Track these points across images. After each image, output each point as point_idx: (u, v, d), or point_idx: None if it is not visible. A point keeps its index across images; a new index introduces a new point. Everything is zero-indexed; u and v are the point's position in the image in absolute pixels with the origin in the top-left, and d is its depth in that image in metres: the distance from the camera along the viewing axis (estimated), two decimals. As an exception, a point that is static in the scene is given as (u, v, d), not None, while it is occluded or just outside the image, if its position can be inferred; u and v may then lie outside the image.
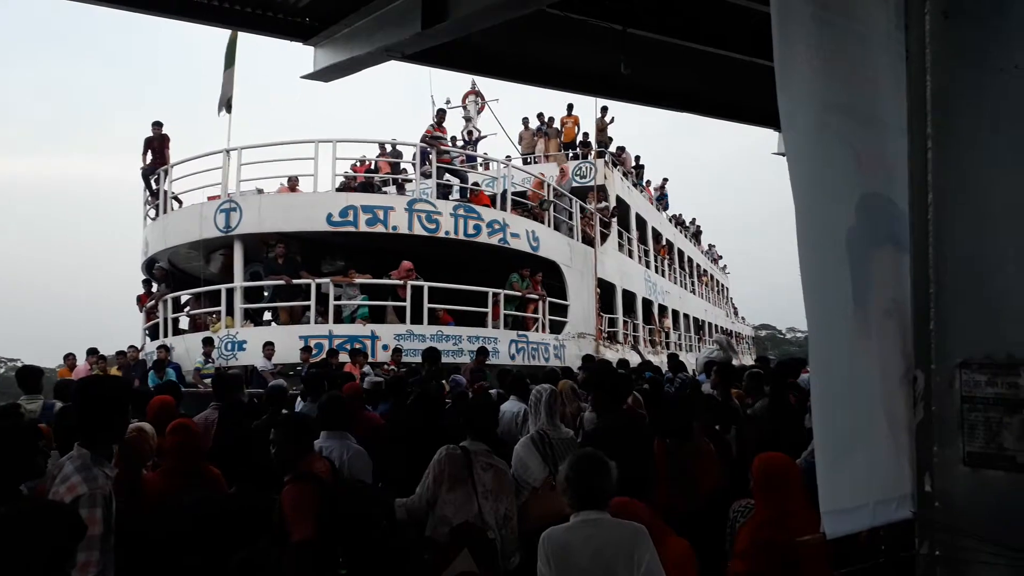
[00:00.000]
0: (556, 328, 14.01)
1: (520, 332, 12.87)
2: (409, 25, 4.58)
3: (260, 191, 12.95)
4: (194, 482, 3.53)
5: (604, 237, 17.13)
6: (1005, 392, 1.97)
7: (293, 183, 12.74)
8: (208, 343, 10.93)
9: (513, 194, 13.83)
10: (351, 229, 11.62)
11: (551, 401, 4.24)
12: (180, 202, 13.40)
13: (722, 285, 37.92)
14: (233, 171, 12.20)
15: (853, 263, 2.30)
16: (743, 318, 44.70)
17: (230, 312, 11.65)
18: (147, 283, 13.84)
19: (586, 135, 19.20)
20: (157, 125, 13.75)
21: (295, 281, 11.41)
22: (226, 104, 12.97)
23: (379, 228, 11.70)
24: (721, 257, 39.25)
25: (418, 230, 11.86)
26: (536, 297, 13.27)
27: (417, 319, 11.44)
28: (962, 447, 2.05)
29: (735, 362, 13.20)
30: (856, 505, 2.20)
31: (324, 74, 5.59)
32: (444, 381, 7.88)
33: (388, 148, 16.36)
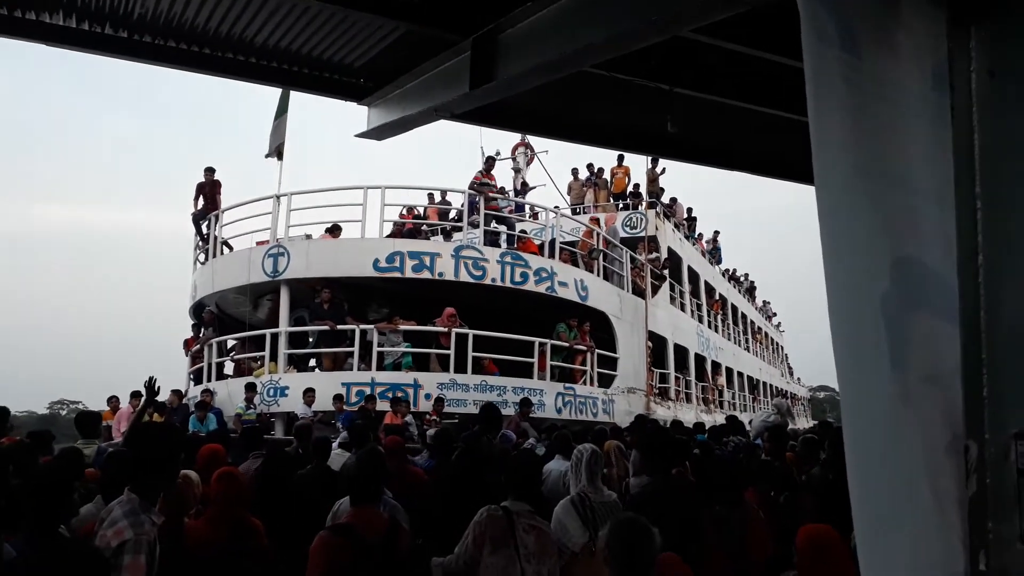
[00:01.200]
0: (605, 381, 13.72)
1: (567, 384, 12.61)
2: (458, 86, 4.73)
3: (308, 236, 13.12)
4: (237, 532, 3.56)
5: (655, 289, 16.86)
6: None
7: (334, 230, 12.83)
8: (251, 388, 10.96)
9: (562, 243, 13.73)
10: (397, 275, 11.67)
11: (592, 462, 4.13)
12: (230, 247, 13.65)
13: (777, 343, 37.03)
14: (282, 216, 12.45)
15: (889, 326, 2.24)
16: (799, 379, 43.74)
17: (274, 357, 11.69)
18: (195, 327, 14.08)
19: (637, 186, 19.14)
20: (209, 171, 14.15)
21: (339, 327, 11.43)
22: (277, 151, 13.29)
23: (425, 275, 11.71)
24: (775, 314, 38.43)
25: (464, 277, 11.84)
26: (584, 348, 13.03)
27: (461, 368, 11.32)
28: (1019, 523, 1.92)
29: (791, 427, 12.70)
30: None
31: (377, 132, 5.80)
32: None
33: (437, 197, 16.55)
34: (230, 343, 13.35)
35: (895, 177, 2.39)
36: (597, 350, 13.38)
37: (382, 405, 10.12)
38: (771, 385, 31.19)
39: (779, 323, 39.37)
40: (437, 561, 3.55)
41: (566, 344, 12.68)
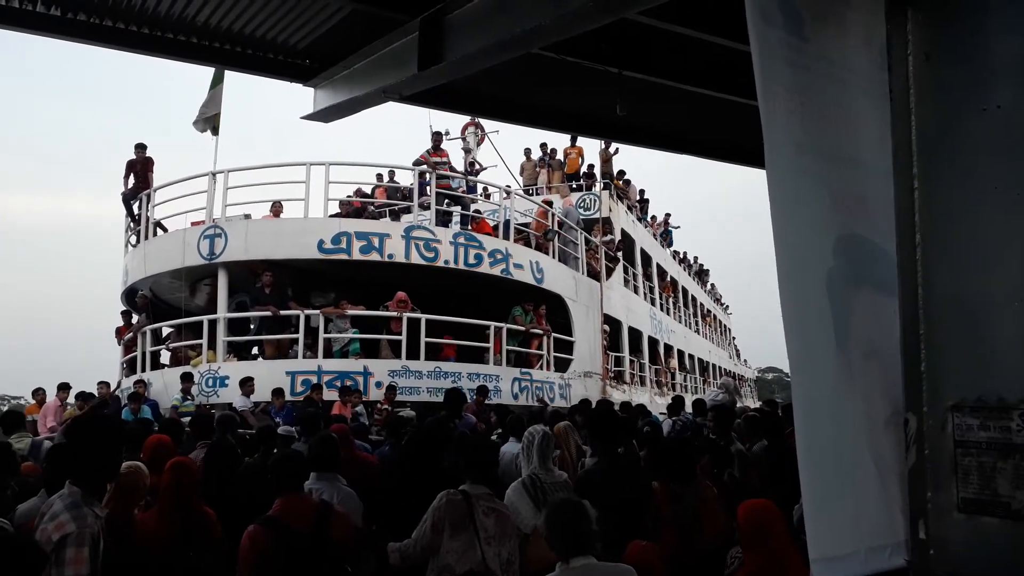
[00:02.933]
0: (561, 366, 13.66)
1: (523, 369, 12.49)
2: (406, 67, 4.74)
3: (247, 216, 12.59)
4: (189, 523, 3.55)
5: (610, 272, 16.84)
6: (998, 436, 2.00)
7: (277, 208, 12.38)
8: (187, 379, 10.44)
9: (516, 225, 13.52)
10: (344, 257, 11.30)
11: (543, 444, 4.25)
12: (164, 229, 13.00)
13: (725, 326, 37.91)
14: (219, 195, 11.91)
15: (834, 304, 2.35)
16: (745, 360, 45.18)
17: (212, 346, 11.20)
18: (126, 314, 13.43)
19: (591, 167, 19.08)
20: (140, 148, 13.45)
21: (283, 312, 11.00)
22: (211, 125, 12.65)
23: (374, 256, 11.37)
24: (721, 298, 39.32)
25: (415, 259, 11.53)
26: (540, 332, 12.92)
27: (413, 354, 11.03)
28: (956, 493, 2.06)
29: (739, 406, 12.95)
30: (846, 552, 2.21)
31: (324, 115, 5.79)
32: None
33: (385, 177, 16.12)
34: (165, 331, 12.75)
35: (843, 156, 2.49)
36: (553, 334, 13.26)
37: (330, 394, 9.78)
38: (720, 367, 31.91)
39: (727, 306, 40.29)
40: (394, 546, 3.60)
41: (522, 328, 12.54)
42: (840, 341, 2.37)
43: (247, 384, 9.93)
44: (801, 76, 2.50)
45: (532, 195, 17.32)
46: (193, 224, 12.24)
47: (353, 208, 13.82)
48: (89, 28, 4.81)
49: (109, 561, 2.82)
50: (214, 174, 11.91)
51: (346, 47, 5.15)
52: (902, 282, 2.28)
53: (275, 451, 5.12)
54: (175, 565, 3.44)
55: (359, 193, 15.15)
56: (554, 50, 4.87)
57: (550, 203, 15.64)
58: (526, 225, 14.49)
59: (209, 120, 12.80)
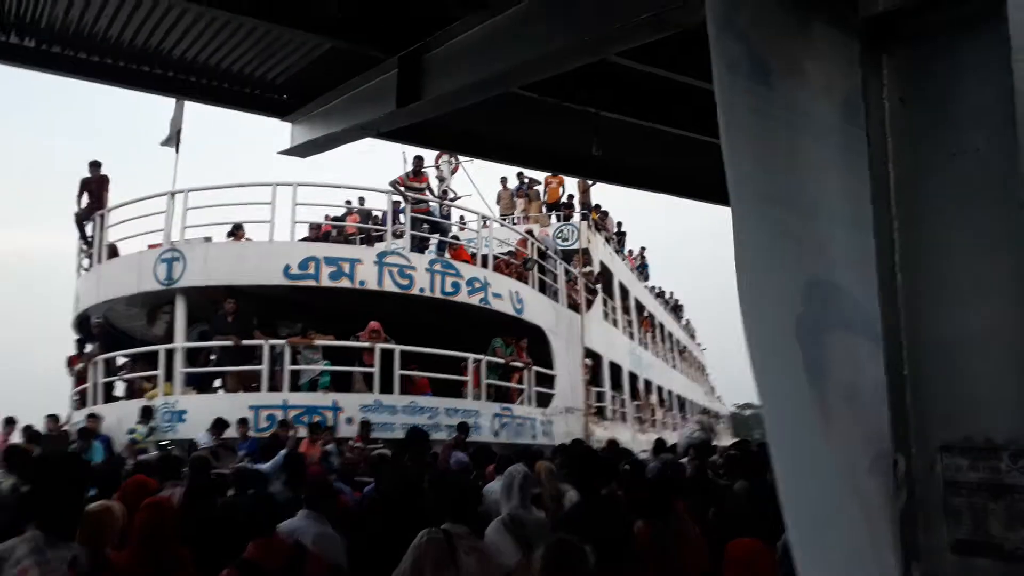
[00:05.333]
0: (542, 401, 13.68)
1: (503, 405, 12.48)
2: (384, 103, 4.89)
3: (208, 239, 12.52)
4: (163, 565, 3.56)
5: (589, 304, 16.98)
6: (987, 476, 2.03)
7: (239, 233, 12.23)
8: (147, 414, 10.28)
9: (496, 256, 13.62)
10: (312, 284, 11.27)
11: (524, 483, 4.41)
12: (117, 252, 12.89)
13: (700, 362, 38.38)
14: (177, 216, 11.83)
15: (805, 348, 2.38)
16: (719, 397, 45.98)
17: (169, 377, 11.05)
18: (80, 343, 13.20)
19: (571, 197, 19.28)
20: (95, 165, 13.35)
21: (245, 343, 10.90)
22: (175, 139, 12.63)
23: (344, 283, 11.36)
24: (696, 333, 40.00)
25: (389, 286, 11.53)
26: (522, 365, 12.98)
27: (387, 388, 10.97)
28: (948, 534, 2.10)
29: (714, 443, 13.15)
30: None
31: (302, 150, 5.94)
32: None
33: (355, 203, 16.18)
34: (120, 361, 12.57)
35: (804, 204, 2.56)
36: (535, 367, 13.32)
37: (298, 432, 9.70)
38: (696, 404, 32.29)
39: (700, 343, 40.92)
40: None
41: (502, 361, 12.57)
42: (814, 384, 2.42)
43: (219, 426, 9.71)
44: (765, 123, 2.59)
45: (510, 225, 17.47)
46: (150, 247, 12.14)
47: (323, 233, 13.83)
48: (59, 59, 4.92)
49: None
50: (172, 194, 11.81)
51: (324, 83, 5.29)
52: (885, 325, 2.38)
53: (249, 491, 5.21)
54: None
55: (329, 218, 15.18)
56: (533, 90, 5.06)
57: (531, 232, 15.81)
58: (506, 254, 14.60)
59: (172, 135, 12.79)
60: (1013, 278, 2.18)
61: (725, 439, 29.74)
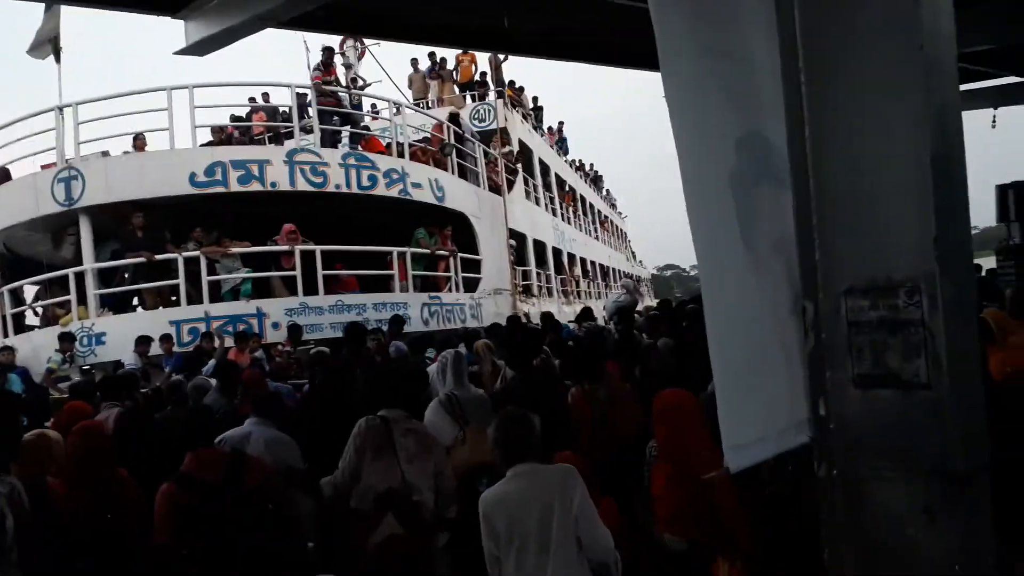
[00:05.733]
0: (470, 286, 13.70)
1: (432, 294, 12.44)
2: None
3: (105, 154, 11.76)
4: (101, 487, 3.67)
5: (511, 184, 16.79)
6: (887, 314, 2.21)
7: (140, 142, 11.55)
8: (67, 339, 9.86)
9: (411, 144, 13.20)
10: (220, 190, 10.77)
11: (456, 363, 4.61)
12: (8, 176, 12.03)
13: (621, 230, 39.20)
14: (69, 132, 11.05)
15: (737, 201, 2.51)
16: (641, 261, 47.76)
17: (83, 301, 10.58)
18: (-21, 274, 12.44)
19: (484, 74, 18.69)
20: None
21: (158, 257, 10.46)
22: (51, 48, 11.56)
23: (255, 186, 10.88)
24: (616, 203, 40.63)
25: (302, 185, 11.12)
26: (447, 253, 12.87)
27: (311, 289, 10.75)
28: (852, 370, 2.28)
29: (641, 305, 13.51)
30: (757, 437, 2.43)
31: (198, 48, 5.73)
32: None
33: (260, 100, 15.33)
34: (29, 289, 11.96)
35: (735, 55, 2.62)
36: (460, 254, 13.23)
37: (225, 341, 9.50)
38: (620, 271, 33.15)
39: (621, 212, 41.65)
40: (325, 480, 3.84)
41: (427, 251, 12.43)
42: (745, 236, 2.53)
43: (143, 342, 9.48)
44: None
45: (424, 109, 16.89)
46: (43, 167, 11.41)
47: (227, 135, 13.10)
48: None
49: (25, 531, 2.91)
50: (60, 108, 11.00)
51: (214, -26, 4.92)
52: (794, 176, 2.42)
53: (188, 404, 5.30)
54: (93, 529, 3.53)
55: (233, 119, 14.38)
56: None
57: (456, 116, 15.30)
58: (422, 141, 14.15)
59: (48, 44, 11.68)
60: (915, 124, 2.19)
61: (648, 300, 30.91)
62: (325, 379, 5.22)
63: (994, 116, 13.89)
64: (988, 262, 12.35)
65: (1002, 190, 11.27)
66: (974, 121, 13.84)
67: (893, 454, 2.21)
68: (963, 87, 11.14)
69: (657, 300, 20.63)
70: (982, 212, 11.59)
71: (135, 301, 11.72)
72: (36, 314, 12.16)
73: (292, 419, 5.06)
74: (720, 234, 2.51)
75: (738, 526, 3.16)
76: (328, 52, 13.05)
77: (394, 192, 12.05)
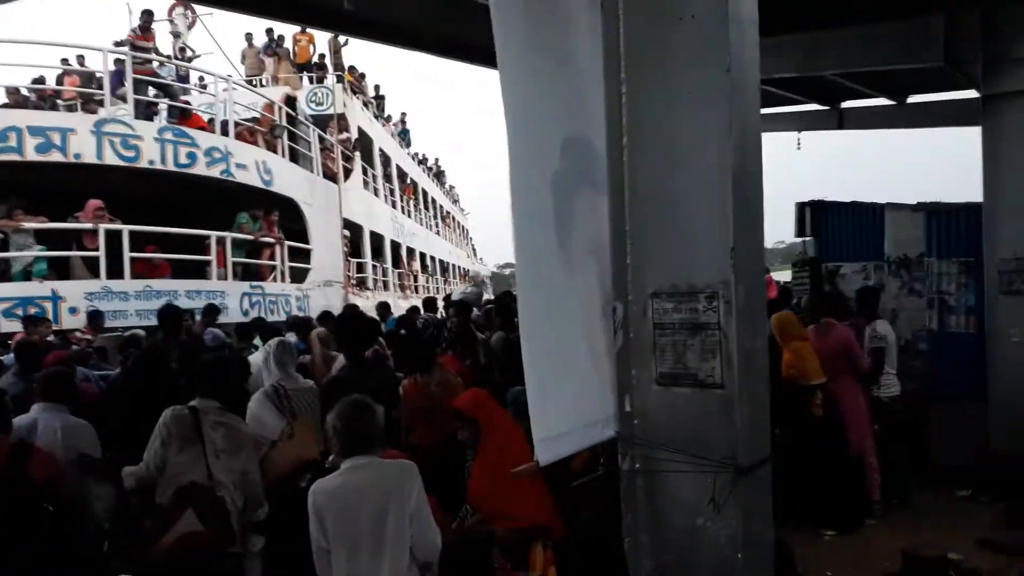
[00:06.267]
0: (298, 276, 13.16)
1: (254, 283, 11.81)
2: None
3: None
4: None
5: (347, 173, 16.38)
6: (688, 317, 2.39)
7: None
8: None
9: (238, 121, 12.51)
10: (15, 157, 9.71)
11: (280, 353, 4.48)
12: None
13: (463, 227, 39.50)
14: None
15: (557, 203, 2.64)
16: (481, 259, 48.66)
17: None
18: None
19: (322, 56, 18.10)
20: None
21: (-58, 230, 9.25)
22: None
23: (55, 156, 9.87)
24: (459, 199, 41.01)
25: (111, 159, 10.18)
26: (272, 240, 12.25)
27: (116, 273, 9.87)
28: (655, 368, 2.47)
29: (484, 297, 13.72)
30: (565, 431, 2.55)
31: None
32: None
33: (76, 65, 13.98)
34: None
35: (568, 57, 2.74)
36: (287, 242, 12.69)
37: (11, 325, 8.56)
38: (460, 267, 33.35)
39: (464, 208, 42.05)
40: (128, 470, 3.69)
41: (249, 237, 11.78)
42: (562, 238, 2.64)
43: None
44: None
45: (257, 87, 16.09)
46: None
47: (23, 99, 11.84)
48: None
49: None
50: None
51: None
52: (611, 181, 2.57)
53: None
54: None
55: (35, 82, 13.01)
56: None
57: (292, 98, 14.63)
58: (251, 121, 13.47)
59: None
60: (720, 139, 2.35)
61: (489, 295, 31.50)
62: (137, 363, 4.93)
63: (799, 139, 15.33)
64: (786, 275, 13.57)
65: (800, 207, 12.42)
66: (783, 143, 15.15)
67: (687, 448, 2.35)
68: (771, 110, 12.18)
69: (498, 295, 21.02)
70: (788, 227, 12.75)
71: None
72: None
73: (97, 407, 4.79)
74: (538, 233, 2.61)
75: (548, 516, 3.30)
76: (147, 15, 12.02)
77: (215, 172, 11.30)
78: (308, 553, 2.89)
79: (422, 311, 10.80)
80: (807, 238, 12.65)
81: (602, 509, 4.01)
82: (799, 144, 15.46)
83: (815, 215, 10.51)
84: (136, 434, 3.89)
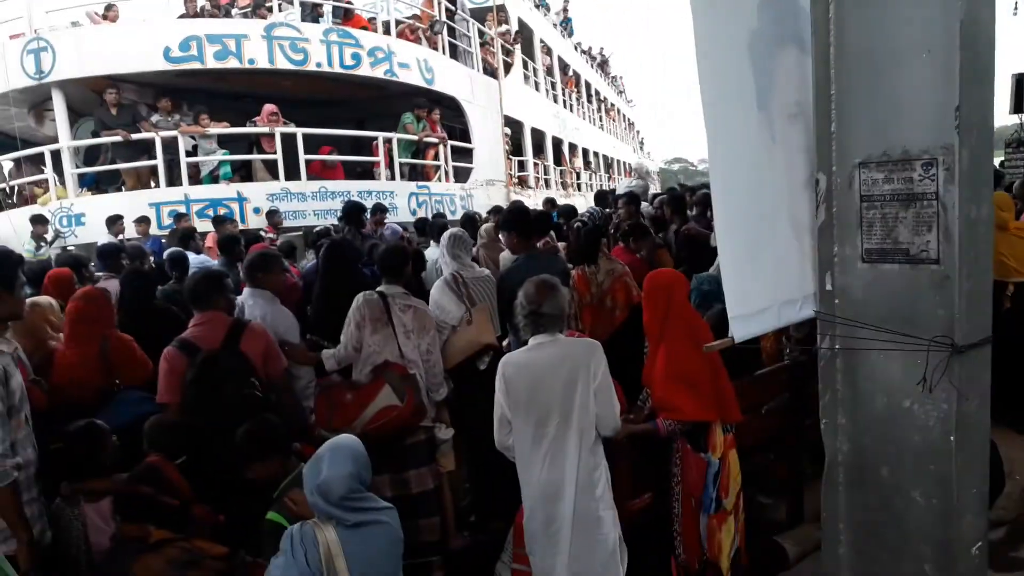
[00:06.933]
0: (461, 176, 13.40)
1: (420, 183, 12.19)
2: None
3: (76, 24, 11.29)
4: (108, 350, 3.77)
5: (507, 68, 16.27)
6: (900, 188, 2.22)
7: (112, 14, 11.01)
8: (39, 221, 9.69)
9: (398, 19, 12.66)
10: (196, 66, 10.38)
11: (453, 244, 4.62)
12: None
13: (629, 119, 38.23)
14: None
15: (756, 66, 2.47)
16: (649, 153, 47.08)
17: (61, 180, 10.38)
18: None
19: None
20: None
21: (134, 136, 10.18)
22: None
23: (232, 63, 10.47)
24: (625, 90, 39.50)
25: (281, 63, 10.67)
26: (436, 140, 12.48)
27: (293, 174, 10.51)
28: (861, 245, 2.33)
29: (652, 190, 13.41)
30: (762, 308, 2.48)
31: None
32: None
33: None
34: (5, 166, 11.72)
35: None
36: (451, 142, 12.90)
37: (203, 224, 9.39)
38: (625, 163, 32.55)
39: (630, 99, 40.51)
40: (328, 353, 4.01)
41: (415, 137, 12.06)
42: (761, 103, 2.49)
43: (116, 223, 9.25)
44: None
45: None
46: (11, 37, 10.92)
47: (205, 9, 12.55)
48: None
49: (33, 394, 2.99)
50: (27, -28, 10.46)
51: None
52: (815, 40, 2.38)
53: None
54: (101, 392, 3.66)
55: None
56: None
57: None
58: (411, 18, 13.60)
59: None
60: None
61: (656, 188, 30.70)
62: (329, 255, 5.16)
63: (1016, 2, 13.45)
64: (998, 158, 12.23)
65: (1018, 79, 11.00)
66: (997, 8, 13.37)
67: (894, 327, 2.22)
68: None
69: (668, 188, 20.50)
70: (1002, 105, 11.38)
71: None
72: (8, 193, 11.97)
73: (295, 295, 5.21)
74: (733, 100, 2.45)
75: (731, 393, 3.23)
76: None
77: (380, 72, 11.57)
78: (490, 428, 3.02)
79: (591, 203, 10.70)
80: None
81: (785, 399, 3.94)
82: (1016, 9, 13.62)
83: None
84: (331, 320, 4.19)
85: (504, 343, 4.40)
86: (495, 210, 8.76)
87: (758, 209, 2.48)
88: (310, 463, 2.35)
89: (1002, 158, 11.82)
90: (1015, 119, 11.46)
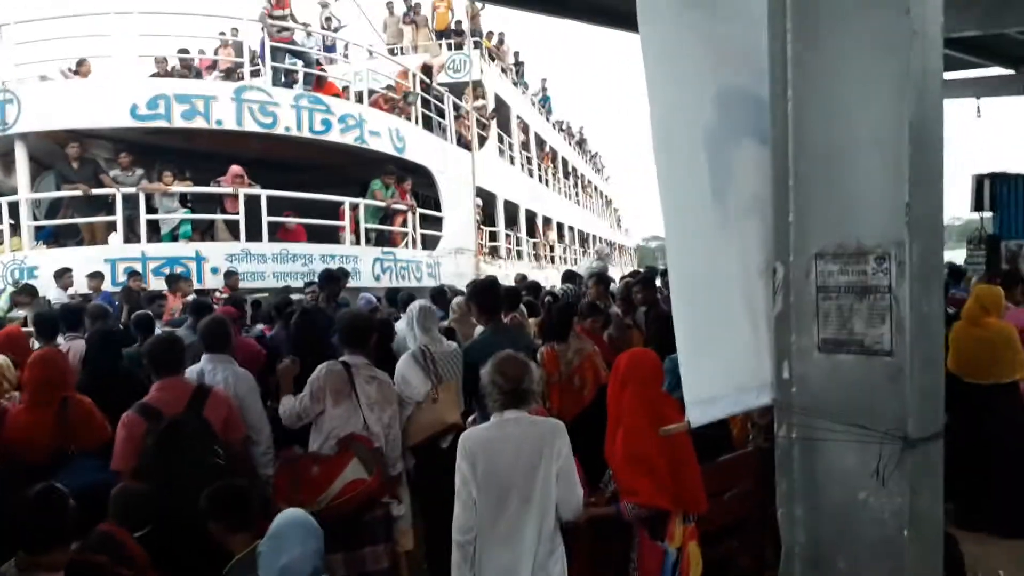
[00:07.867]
0: (430, 244, 13.53)
1: (386, 249, 12.27)
2: None
3: (44, 78, 11.42)
4: (65, 413, 3.79)
5: (482, 141, 16.65)
6: (855, 280, 2.31)
7: (84, 68, 11.16)
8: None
9: (373, 91, 13.00)
10: (162, 124, 10.50)
11: (422, 317, 4.62)
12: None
13: (606, 196, 39.00)
14: (4, 52, 10.71)
15: (711, 158, 2.56)
16: (626, 230, 47.79)
17: (17, 232, 10.34)
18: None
19: (459, 23, 18.42)
20: None
21: (94, 191, 10.20)
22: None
23: (199, 123, 10.59)
24: (604, 168, 40.40)
25: (250, 125, 10.82)
26: (404, 208, 12.63)
27: (255, 235, 10.53)
28: (817, 334, 2.40)
29: (611, 272, 13.60)
30: (718, 394, 2.53)
31: None
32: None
33: (230, 34, 14.93)
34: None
35: (727, 9, 2.68)
36: (420, 210, 13.07)
37: (158, 283, 9.33)
38: (600, 237, 33.12)
39: (608, 176, 41.42)
40: (289, 402, 4.02)
41: (382, 203, 12.21)
42: (717, 194, 2.58)
43: (64, 276, 9.14)
44: None
45: (397, 55, 16.60)
46: (-23, 89, 11.02)
47: (176, 69, 12.77)
48: None
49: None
50: (-4, 27, 10.61)
51: None
52: (774, 134, 2.50)
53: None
54: (54, 456, 3.67)
55: (182, 51, 13.98)
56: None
57: (428, 67, 15.02)
58: (385, 88, 13.93)
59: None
60: (897, 86, 2.24)
61: (626, 269, 31.07)
62: (300, 322, 5.25)
63: (978, 106, 14.16)
64: (960, 254, 12.70)
65: (978, 180, 11.52)
66: (960, 110, 14.07)
67: (850, 418, 2.28)
68: (947, 75, 11.35)
69: (634, 270, 20.79)
70: (964, 202, 11.85)
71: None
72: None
73: (260, 361, 5.16)
74: (690, 192, 2.55)
75: (695, 483, 3.25)
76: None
77: (349, 139, 11.76)
78: (450, 508, 2.99)
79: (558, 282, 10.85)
80: (985, 213, 11.78)
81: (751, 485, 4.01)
82: (979, 112, 14.34)
83: (994, 188, 9.76)
84: (300, 391, 4.17)
85: (470, 419, 4.37)
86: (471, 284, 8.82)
87: (715, 296, 2.56)
88: (267, 542, 2.32)
89: (963, 256, 12.26)
90: (976, 216, 11.95)
